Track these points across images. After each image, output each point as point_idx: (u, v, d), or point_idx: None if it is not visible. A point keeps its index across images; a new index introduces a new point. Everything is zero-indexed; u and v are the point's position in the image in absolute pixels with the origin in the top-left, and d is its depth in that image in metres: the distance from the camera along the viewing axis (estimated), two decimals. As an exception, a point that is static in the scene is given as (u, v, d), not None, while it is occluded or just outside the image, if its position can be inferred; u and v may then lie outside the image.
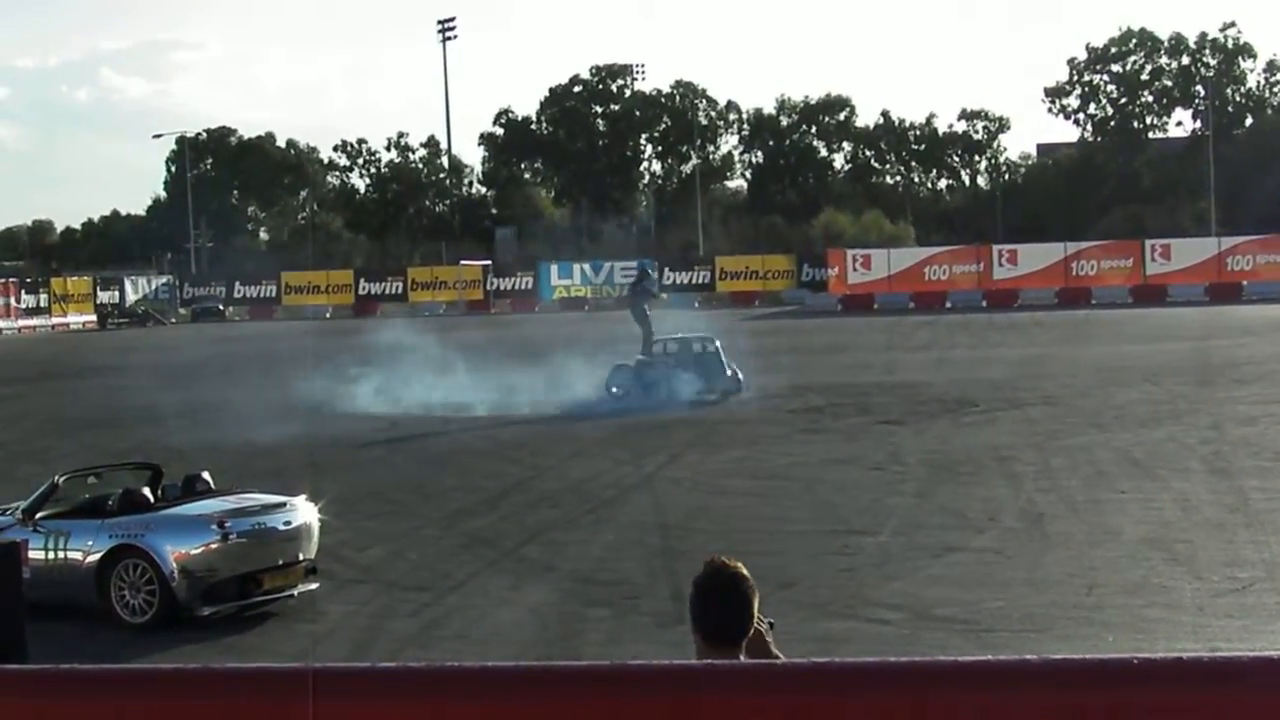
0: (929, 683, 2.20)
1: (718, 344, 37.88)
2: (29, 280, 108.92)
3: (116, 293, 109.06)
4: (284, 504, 16.79)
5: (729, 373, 37.11)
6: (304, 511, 16.85)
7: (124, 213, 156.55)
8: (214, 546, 15.86)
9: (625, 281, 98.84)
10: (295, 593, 16.49)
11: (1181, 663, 2.18)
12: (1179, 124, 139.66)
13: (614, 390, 36.64)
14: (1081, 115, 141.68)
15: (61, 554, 16.26)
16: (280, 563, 16.35)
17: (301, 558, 16.59)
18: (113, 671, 2.24)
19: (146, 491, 16.81)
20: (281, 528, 16.46)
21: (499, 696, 2.22)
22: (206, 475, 17.42)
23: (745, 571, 5.31)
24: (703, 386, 36.40)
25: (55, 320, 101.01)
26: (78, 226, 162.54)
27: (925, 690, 2.08)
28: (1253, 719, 2.18)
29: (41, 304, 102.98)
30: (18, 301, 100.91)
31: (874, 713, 2.22)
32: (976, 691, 2.27)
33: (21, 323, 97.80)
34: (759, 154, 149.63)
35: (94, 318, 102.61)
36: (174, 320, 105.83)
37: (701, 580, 5.29)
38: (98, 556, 16.01)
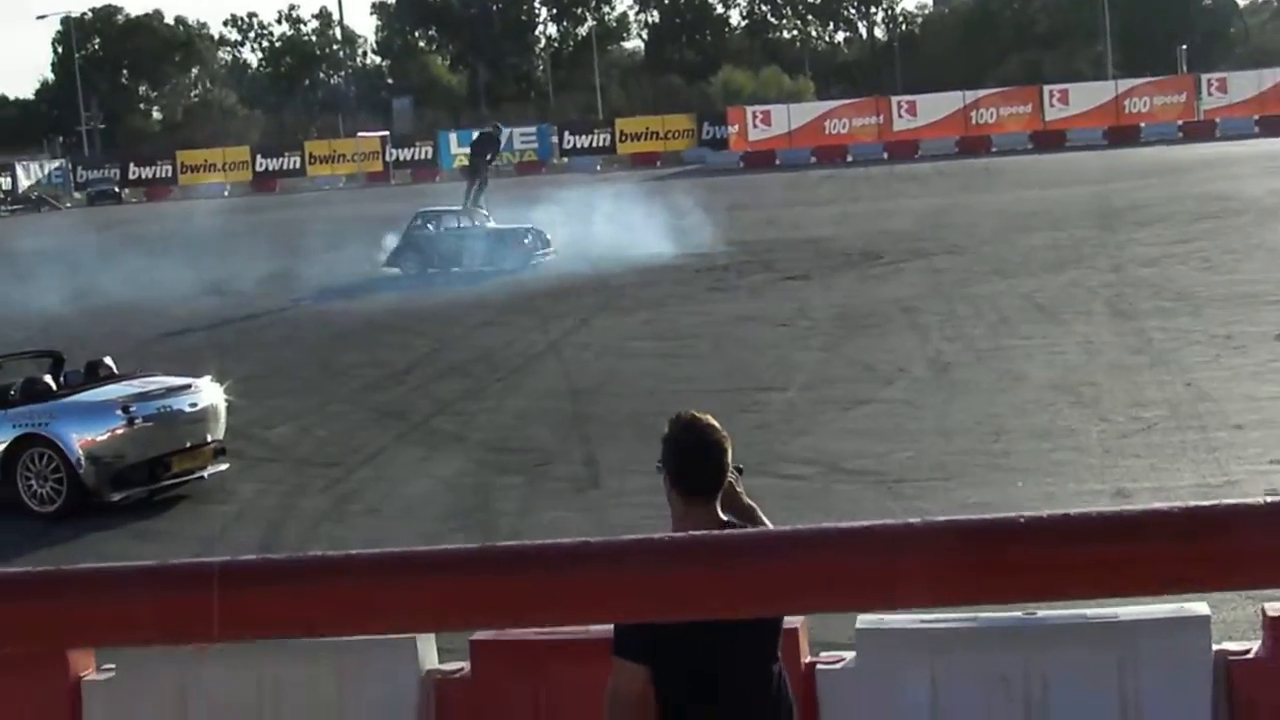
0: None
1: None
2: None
3: (8, 178, 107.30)
4: (189, 386, 16.63)
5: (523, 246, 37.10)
6: (210, 392, 16.70)
7: (11, 97, 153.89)
8: (120, 431, 15.69)
9: (525, 148, 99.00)
10: (205, 474, 16.38)
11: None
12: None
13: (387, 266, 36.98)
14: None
15: (-36, 446, 16.04)
16: (188, 445, 16.22)
17: (210, 439, 16.47)
18: (4, 576, 2.18)
19: (49, 379, 16.58)
20: (188, 409, 16.31)
21: (407, 578, 2.17)
22: (109, 360, 17.21)
23: (715, 422, 5.32)
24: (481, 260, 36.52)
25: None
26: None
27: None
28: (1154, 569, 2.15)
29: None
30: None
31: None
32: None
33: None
34: (655, 13, 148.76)
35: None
36: (69, 205, 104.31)
37: (675, 435, 5.31)
38: (2, 447, 15.80)
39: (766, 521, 5.44)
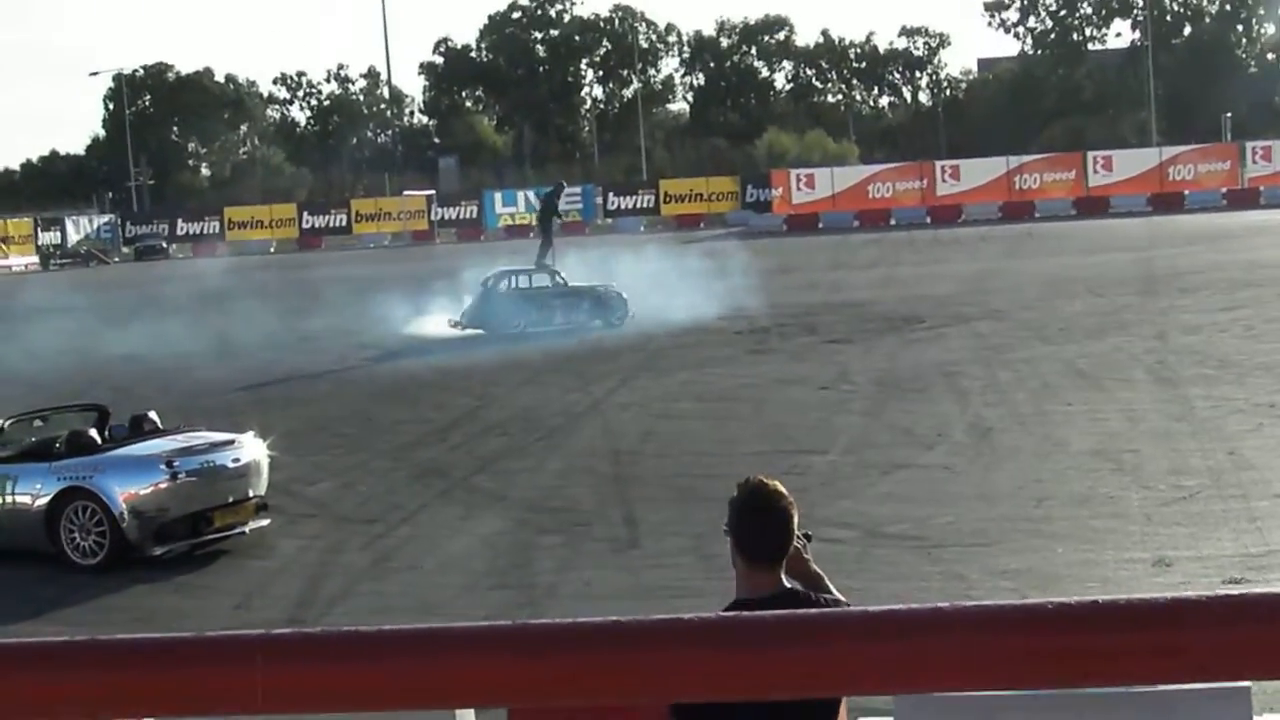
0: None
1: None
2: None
3: (58, 233, 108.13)
4: (232, 441, 16.72)
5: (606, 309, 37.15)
6: (252, 448, 16.79)
7: (63, 152, 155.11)
8: (163, 486, 15.78)
9: (569, 208, 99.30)
10: (247, 530, 16.44)
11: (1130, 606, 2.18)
12: (1118, 35, 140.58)
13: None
14: (1021, 28, 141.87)
15: (9, 499, 16.14)
16: (230, 500, 16.29)
17: (252, 494, 16.54)
18: (51, 645, 2.20)
19: (93, 433, 16.69)
20: (230, 465, 16.39)
21: (455, 658, 2.20)
22: (153, 415, 17.30)
23: (783, 488, 5.33)
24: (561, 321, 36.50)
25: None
26: (16, 168, 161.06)
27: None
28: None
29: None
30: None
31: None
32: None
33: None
34: (700, 76, 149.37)
35: (36, 259, 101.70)
36: (117, 259, 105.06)
37: (740, 500, 5.30)
38: (46, 499, 15.90)
39: (833, 589, 5.45)
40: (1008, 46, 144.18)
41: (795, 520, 5.28)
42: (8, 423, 17.03)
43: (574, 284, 37.67)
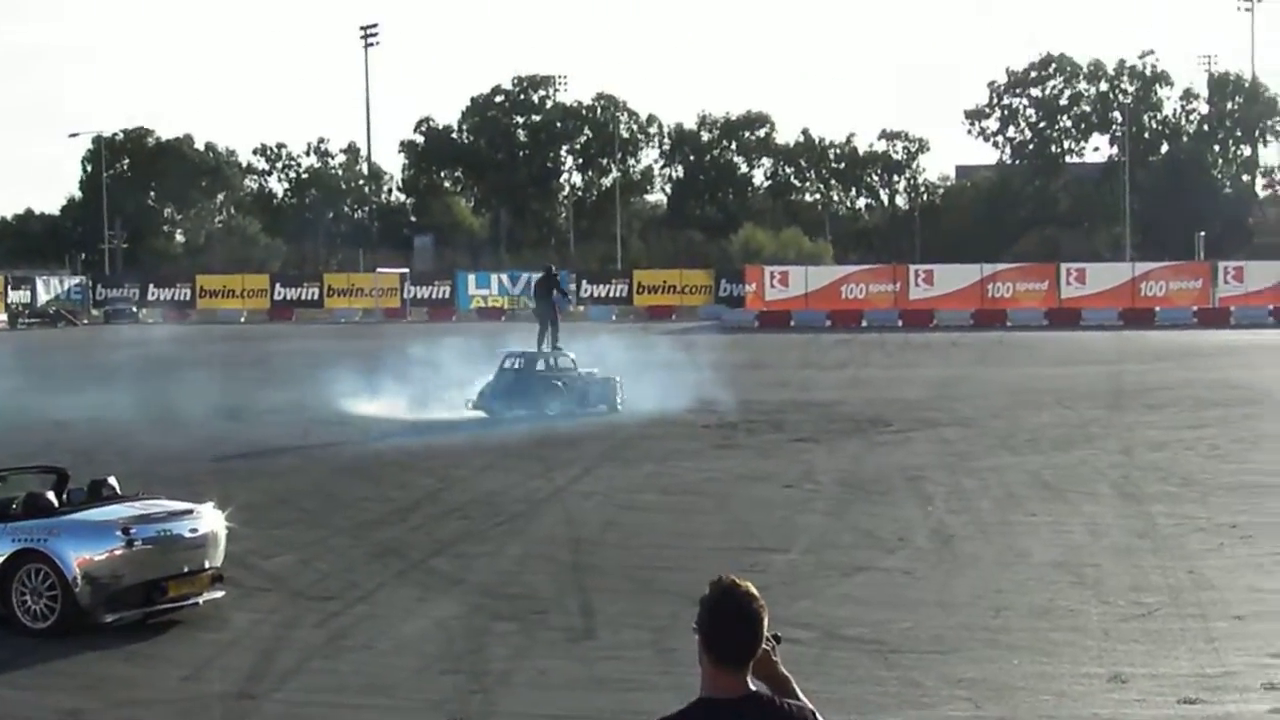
0: None
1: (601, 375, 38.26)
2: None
3: (28, 292, 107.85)
4: (190, 511, 16.61)
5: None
6: (210, 519, 16.67)
7: (38, 211, 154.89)
8: (118, 553, 15.64)
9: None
10: (200, 600, 16.31)
11: None
12: (1096, 149, 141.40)
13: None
14: (1000, 138, 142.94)
15: (-38, 557, 15.99)
16: (186, 570, 16.16)
17: (208, 565, 16.41)
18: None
19: (51, 495, 16.57)
20: (187, 535, 16.27)
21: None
22: (113, 480, 17.20)
23: (755, 590, 5.28)
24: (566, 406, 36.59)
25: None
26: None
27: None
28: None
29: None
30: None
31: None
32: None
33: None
34: (679, 168, 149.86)
35: (4, 317, 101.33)
36: (86, 321, 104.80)
37: (712, 600, 5.25)
38: (-1, 560, 15.77)
39: (799, 694, 5.41)
40: (986, 155, 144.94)
41: (766, 623, 5.24)
42: (-35, 481, 16.89)
43: (582, 369, 38.06)
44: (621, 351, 44.61)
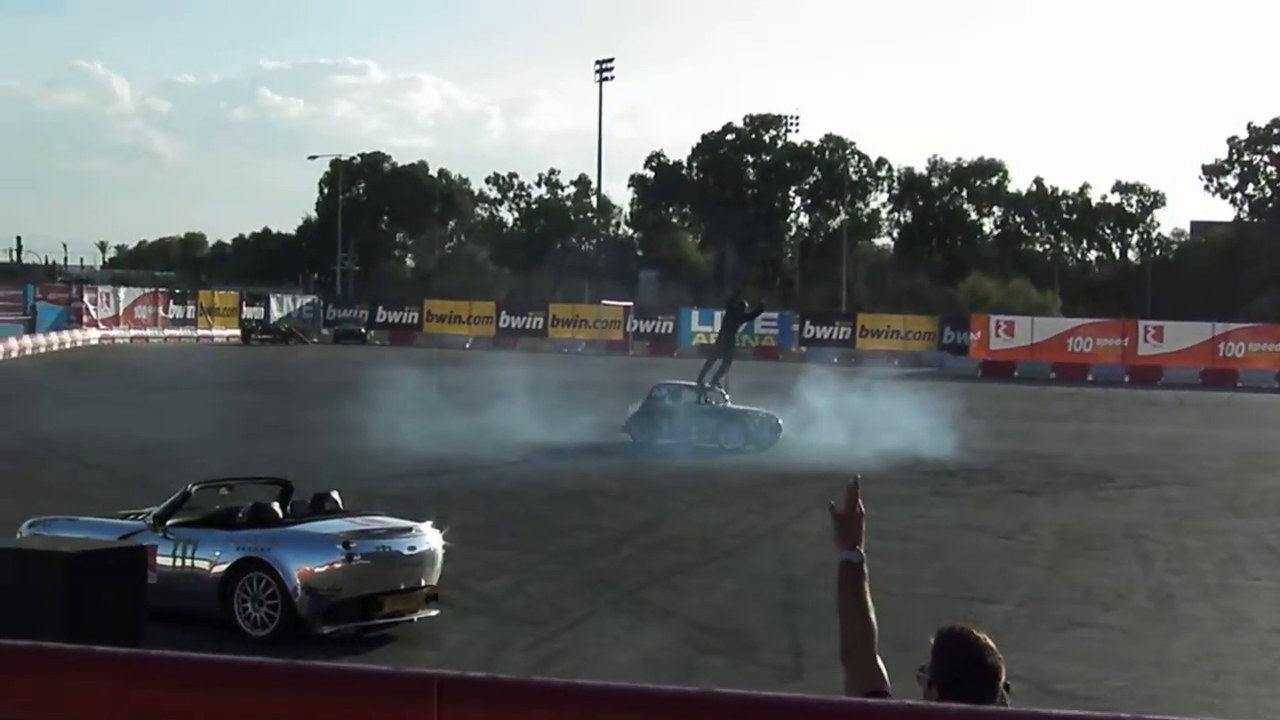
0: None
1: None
2: (178, 291, 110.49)
3: (261, 309, 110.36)
4: (410, 529, 16.89)
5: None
6: (429, 538, 16.92)
7: (275, 231, 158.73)
8: (338, 566, 15.96)
9: (766, 332, 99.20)
10: (415, 618, 16.55)
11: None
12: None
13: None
14: (1239, 195, 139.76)
15: (188, 562, 16.43)
16: (402, 587, 16.42)
17: (424, 583, 16.66)
18: (234, 664, 2.23)
19: (276, 506, 16.96)
20: (406, 552, 16.54)
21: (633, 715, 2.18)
22: (336, 495, 17.54)
23: (991, 642, 5.26)
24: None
25: (200, 332, 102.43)
26: (229, 241, 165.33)
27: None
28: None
29: (188, 315, 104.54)
30: (165, 312, 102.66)
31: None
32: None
33: (168, 332, 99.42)
34: (908, 213, 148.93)
35: (238, 332, 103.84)
36: (315, 340, 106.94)
37: (950, 651, 5.23)
38: (224, 567, 16.17)
39: None
40: (1222, 211, 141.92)
41: (1004, 674, 5.20)
42: (195, 488, 17.33)
43: (731, 405, 38.62)
44: (842, 394, 44.32)
